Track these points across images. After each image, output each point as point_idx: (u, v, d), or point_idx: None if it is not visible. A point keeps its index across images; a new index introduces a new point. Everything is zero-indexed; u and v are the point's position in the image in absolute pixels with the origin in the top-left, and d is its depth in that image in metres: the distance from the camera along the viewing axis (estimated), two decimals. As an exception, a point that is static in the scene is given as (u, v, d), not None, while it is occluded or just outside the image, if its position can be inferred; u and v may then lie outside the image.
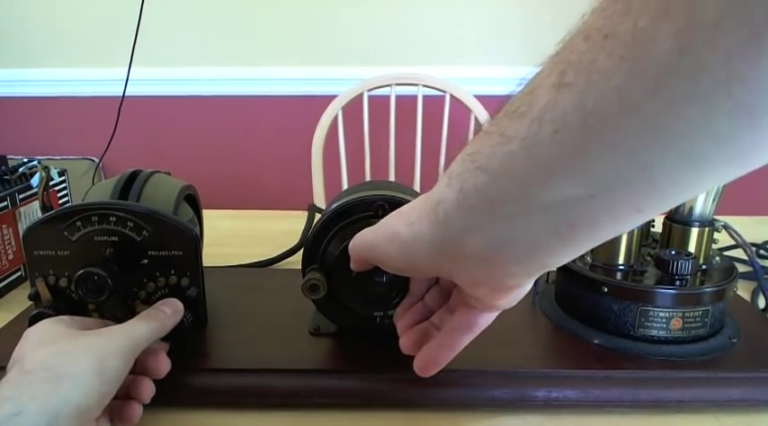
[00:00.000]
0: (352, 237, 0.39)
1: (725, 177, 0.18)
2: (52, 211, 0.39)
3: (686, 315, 0.41)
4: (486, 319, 0.31)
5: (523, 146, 0.20)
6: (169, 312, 0.38)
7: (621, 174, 0.18)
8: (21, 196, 0.57)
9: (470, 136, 1.33)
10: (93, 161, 1.70)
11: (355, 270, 0.34)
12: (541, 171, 0.20)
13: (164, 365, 0.36)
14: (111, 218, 0.39)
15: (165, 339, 0.39)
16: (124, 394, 0.35)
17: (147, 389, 0.35)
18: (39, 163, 0.58)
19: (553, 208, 0.20)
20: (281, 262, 0.64)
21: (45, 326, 0.34)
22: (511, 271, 0.25)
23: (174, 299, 0.40)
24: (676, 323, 0.41)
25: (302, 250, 0.41)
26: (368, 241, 0.31)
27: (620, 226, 0.21)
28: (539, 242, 0.22)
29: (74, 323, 0.36)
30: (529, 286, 0.28)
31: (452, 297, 0.33)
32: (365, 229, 0.31)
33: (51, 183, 0.59)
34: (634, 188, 0.19)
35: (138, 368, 0.36)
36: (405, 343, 0.34)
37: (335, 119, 1.33)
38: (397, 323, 0.36)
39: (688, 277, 0.41)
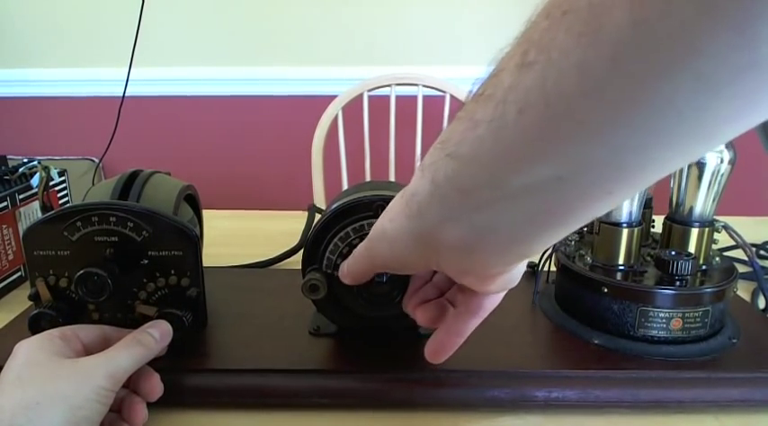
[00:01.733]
0: (351, 238, 0.39)
1: (692, 155, 0.18)
2: (52, 211, 0.39)
3: (686, 315, 0.41)
4: (492, 302, 0.31)
5: (490, 130, 0.20)
6: (157, 336, 0.37)
7: (588, 155, 0.18)
8: (21, 196, 0.57)
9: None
10: (93, 161, 1.70)
11: (355, 283, 0.34)
12: (509, 154, 0.19)
13: (157, 389, 0.36)
14: (111, 218, 0.39)
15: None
16: (117, 414, 0.34)
17: (140, 415, 0.35)
18: (39, 163, 0.58)
19: (524, 194, 0.20)
20: (281, 262, 0.64)
21: (32, 348, 0.33)
22: (491, 261, 0.24)
23: (164, 322, 0.38)
24: (676, 324, 0.41)
25: (302, 250, 0.41)
26: (362, 247, 0.31)
27: (592, 210, 0.21)
28: (514, 229, 0.22)
29: (64, 342, 0.34)
30: (521, 270, 0.27)
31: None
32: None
33: (51, 183, 0.59)
34: (602, 169, 0.18)
35: (131, 385, 0.35)
36: (422, 317, 0.34)
37: (335, 119, 1.33)
38: (408, 303, 0.35)
39: (688, 277, 0.41)
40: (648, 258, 0.46)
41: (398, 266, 0.29)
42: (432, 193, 0.23)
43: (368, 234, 0.38)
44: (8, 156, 0.58)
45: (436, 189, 0.23)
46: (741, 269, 0.47)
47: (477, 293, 0.30)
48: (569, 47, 0.16)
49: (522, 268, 0.27)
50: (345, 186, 1.38)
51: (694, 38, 0.14)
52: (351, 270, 0.33)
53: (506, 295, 0.31)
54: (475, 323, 0.31)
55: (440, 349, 0.33)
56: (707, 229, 0.45)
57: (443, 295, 0.35)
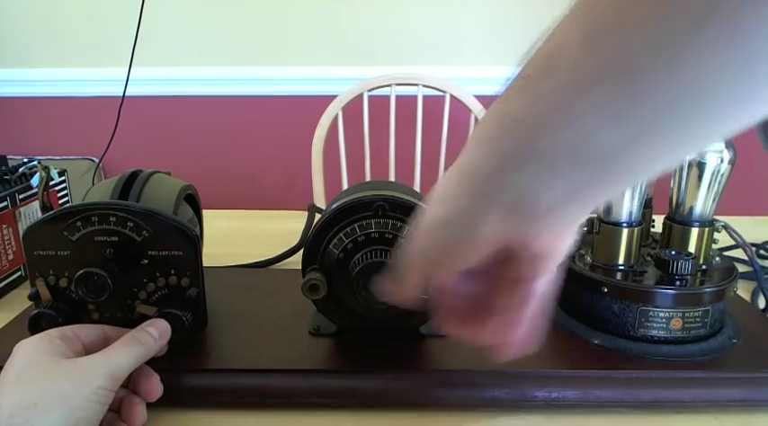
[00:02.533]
0: (351, 238, 0.39)
1: (759, 113, 0.19)
2: (52, 211, 0.39)
3: (686, 315, 0.41)
4: (543, 284, 0.29)
5: (558, 100, 0.20)
6: (156, 334, 0.37)
7: (659, 119, 0.18)
8: (21, 196, 0.57)
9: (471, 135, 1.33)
10: (93, 161, 1.70)
11: (404, 303, 0.31)
12: (580, 122, 0.20)
13: (156, 389, 0.36)
14: (111, 218, 0.39)
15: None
16: (116, 414, 0.34)
17: (139, 416, 0.35)
18: (39, 163, 0.58)
19: (596, 158, 0.20)
20: (281, 262, 0.64)
21: (31, 348, 0.33)
22: (563, 216, 0.24)
23: (163, 320, 0.38)
24: (676, 324, 0.41)
25: (302, 250, 0.41)
26: (407, 256, 0.28)
27: (661, 166, 0.21)
28: (585, 190, 0.22)
29: (64, 342, 0.34)
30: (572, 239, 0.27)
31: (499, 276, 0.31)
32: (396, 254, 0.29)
33: (51, 183, 0.59)
34: (674, 129, 0.19)
35: (131, 385, 0.35)
36: (468, 333, 0.32)
37: (335, 119, 1.33)
38: (446, 327, 0.33)
39: (688, 277, 0.41)
40: (648, 258, 0.46)
41: (457, 261, 0.27)
42: (496, 166, 0.23)
43: (367, 234, 0.39)
44: (8, 156, 0.58)
45: (500, 161, 0.23)
46: (741, 269, 0.47)
47: (528, 278, 0.28)
48: (644, 15, 0.17)
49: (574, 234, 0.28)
50: (345, 186, 1.38)
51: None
52: (397, 288, 0.30)
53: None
54: (533, 308, 0.30)
55: (505, 345, 0.30)
56: (707, 229, 0.45)
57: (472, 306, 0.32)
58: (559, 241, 0.27)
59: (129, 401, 0.35)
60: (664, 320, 0.41)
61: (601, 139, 0.20)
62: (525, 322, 0.30)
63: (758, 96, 0.18)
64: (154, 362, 0.39)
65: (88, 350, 0.35)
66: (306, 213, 0.71)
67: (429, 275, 0.29)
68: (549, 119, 0.21)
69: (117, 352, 0.34)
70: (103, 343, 0.36)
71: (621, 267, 0.44)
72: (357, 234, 0.39)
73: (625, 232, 0.44)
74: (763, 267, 0.52)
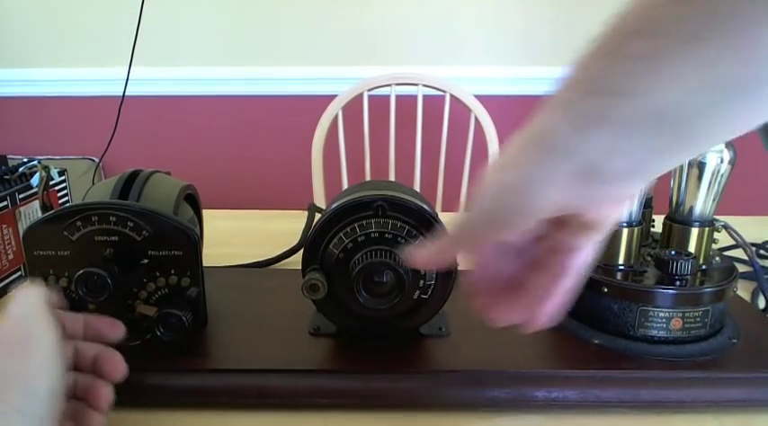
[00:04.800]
0: (351, 239, 0.39)
1: None
2: (52, 211, 0.39)
3: (686, 315, 0.41)
4: (584, 258, 0.29)
5: (647, 63, 0.20)
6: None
7: (760, 76, 0.19)
8: (21, 196, 0.57)
9: (471, 135, 1.33)
10: (93, 161, 1.70)
11: (438, 265, 0.31)
12: (671, 84, 0.20)
13: (119, 368, 0.34)
14: (111, 218, 0.39)
15: (166, 339, 0.39)
16: (83, 403, 0.33)
17: (104, 397, 0.33)
18: (39, 163, 0.58)
19: (682, 120, 0.21)
20: (281, 262, 0.64)
21: (20, 309, 0.32)
22: (636, 180, 0.25)
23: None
24: (676, 324, 0.41)
25: (302, 250, 0.41)
26: (464, 218, 0.28)
27: (735, 129, 0.22)
28: (666, 151, 0.23)
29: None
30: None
31: (539, 253, 0.31)
32: (456, 218, 0.28)
33: (51, 183, 0.59)
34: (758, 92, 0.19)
35: (95, 369, 0.34)
36: (496, 314, 0.32)
37: (335, 119, 1.33)
38: (477, 298, 0.33)
39: (688, 277, 0.41)
40: (648, 258, 0.46)
41: (517, 222, 0.26)
42: (576, 127, 0.23)
43: (367, 234, 0.39)
44: (8, 156, 0.58)
45: (579, 124, 0.23)
46: (741, 269, 0.47)
47: (571, 250, 0.28)
48: None
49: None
50: (345, 186, 1.38)
51: None
52: (440, 257, 0.30)
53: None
54: (567, 283, 0.29)
55: (536, 317, 0.30)
56: (707, 229, 0.45)
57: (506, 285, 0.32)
58: (613, 210, 0.27)
59: (93, 384, 0.34)
60: (664, 320, 0.41)
61: (686, 102, 0.20)
62: (559, 296, 0.30)
63: None
64: (154, 362, 0.39)
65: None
66: (306, 213, 0.71)
67: (481, 241, 0.29)
68: (635, 81, 0.21)
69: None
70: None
71: (621, 267, 0.44)
72: (357, 234, 0.39)
73: (625, 232, 0.44)
74: (763, 267, 0.52)
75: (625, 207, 0.29)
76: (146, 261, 0.40)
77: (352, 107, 1.34)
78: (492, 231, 0.27)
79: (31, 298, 0.33)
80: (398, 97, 1.34)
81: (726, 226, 0.47)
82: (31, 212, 0.59)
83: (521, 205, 0.25)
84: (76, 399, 0.33)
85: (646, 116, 0.21)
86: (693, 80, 0.20)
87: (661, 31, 0.20)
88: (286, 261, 0.64)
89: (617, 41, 0.22)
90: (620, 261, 0.44)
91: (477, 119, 1.32)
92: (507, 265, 0.32)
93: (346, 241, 0.39)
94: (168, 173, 0.49)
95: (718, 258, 0.46)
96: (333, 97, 1.34)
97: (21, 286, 0.34)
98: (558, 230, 0.29)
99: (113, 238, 0.39)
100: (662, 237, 0.48)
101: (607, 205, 0.27)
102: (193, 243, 0.40)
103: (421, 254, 0.31)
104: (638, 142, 0.22)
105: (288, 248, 0.65)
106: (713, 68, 0.19)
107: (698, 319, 0.41)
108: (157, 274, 0.40)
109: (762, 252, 0.67)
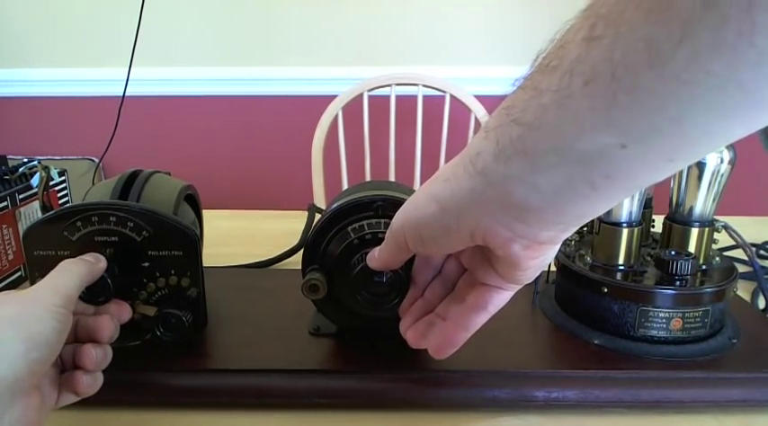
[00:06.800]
0: (351, 239, 0.39)
1: (754, 126, 0.19)
2: (52, 211, 0.39)
3: (686, 315, 0.41)
4: (501, 299, 0.31)
5: (555, 99, 0.21)
6: (92, 259, 0.36)
7: (652, 125, 0.19)
8: (21, 196, 0.57)
9: (471, 135, 1.33)
10: (93, 161, 1.70)
11: (385, 267, 0.34)
12: (574, 122, 0.20)
13: (107, 327, 0.34)
14: (111, 218, 0.39)
15: (166, 339, 0.39)
16: (72, 364, 0.33)
17: (90, 356, 0.33)
18: (39, 163, 0.57)
19: (588, 159, 0.21)
20: (281, 262, 0.64)
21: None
22: (547, 223, 0.25)
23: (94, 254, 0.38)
24: (676, 324, 0.41)
25: (302, 250, 0.41)
26: (395, 227, 0.30)
27: (653, 176, 0.22)
28: (576, 193, 0.22)
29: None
30: (555, 251, 0.28)
31: (460, 283, 0.34)
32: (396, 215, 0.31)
33: (51, 183, 0.59)
34: (665, 138, 0.19)
35: (84, 335, 0.34)
36: (412, 337, 0.35)
37: (335, 119, 1.33)
38: (403, 318, 0.36)
39: (688, 277, 0.41)
40: (648, 258, 0.46)
41: (437, 236, 0.28)
42: (497, 154, 0.23)
43: (367, 234, 0.39)
44: (8, 156, 0.58)
45: (501, 150, 0.23)
46: (741, 269, 0.47)
47: (489, 289, 0.31)
48: (638, 22, 0.17)
49: (554, 251, 0.28)
50: (345, 186, 1.38)
51: (760, 17, 0.15)
52: (381, 255, 0.34)
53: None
54: (482, 319, 0.32)
55: (445, 343, 0.33)
56: (707, 229, 0.45)
57: (433, 310, 0.35)
58: (536, 253, 0.27)
59: (80, 346, 0.34)
60: (664, 320, 0.41)
61: (591, 141, 0.20)
62: (470, 331, 0.32)
63: (749, 109, 0.18)
64: (153, 363, 0.39)
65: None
66: (306, 213, 0.71)
67: (407, 248, 0.31)
68: (545, 116, 0.21)
69: (60, 273, 0.33)
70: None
71: (621, 267, 0.44)
72: (357, 234, 0.39)
73: (625, 232, 0.44)
74: (763, 267, 0.52)
75: (550, 258, 0.28)
76: (146, 261, 0.40)
77: (353, 107, 1.34)
78: (416, 240, 0.30)
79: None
80: (398, 97, 1.35)
81: (726, 227, 0.47)
82: (31, 212, 0.59)
83: (443, 217, 0.27)
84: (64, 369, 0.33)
85: (557, 151, 0.21)
86: (598, 120, 0.20)
87: (574, 70, 0.20)
88: (286, 261, 0.64)
89: (538, 73, 0.22)
90: (621, 261, 0.44)
91: (477, 120, 1.32)
92: (435, 293, 0.35)
93: (346, 241, 0.39)
94: (168, 174, 0.49)
95: (718, 258, 0.46)
96: (333, 97, 1.34)
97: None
98: (481, 265, 0.31)
99: (113, 238, 0.39)
100: (662, 237, 0.48)
101: (530, 246, 0.27)
102: (193, 243, 0.40)
103: (373, 256, 0.34)
104: (552, 176, 0.22)
105: (288, 248, 0.65)
106: (615, 110, 0.19)
107: (698, 319, 0.41)
108: (157, 274, 0.40)
109: (762, 252, 0.67)
